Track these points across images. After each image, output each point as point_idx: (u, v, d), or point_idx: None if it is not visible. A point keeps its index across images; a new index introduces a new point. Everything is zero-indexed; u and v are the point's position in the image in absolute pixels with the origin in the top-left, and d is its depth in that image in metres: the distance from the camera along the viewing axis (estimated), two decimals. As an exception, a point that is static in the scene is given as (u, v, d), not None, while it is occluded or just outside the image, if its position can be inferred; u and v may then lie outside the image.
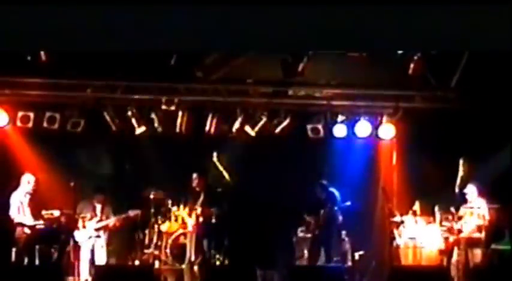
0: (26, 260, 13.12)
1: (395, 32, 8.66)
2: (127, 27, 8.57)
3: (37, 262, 13.14)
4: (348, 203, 14.42)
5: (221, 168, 14.02)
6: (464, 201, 13.12)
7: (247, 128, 14.82)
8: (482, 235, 12.86)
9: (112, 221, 14.07)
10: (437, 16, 8.55)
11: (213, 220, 13.85)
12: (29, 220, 13.30)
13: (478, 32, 8.57)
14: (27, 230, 13.23)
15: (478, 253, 12.82)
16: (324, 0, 8.50)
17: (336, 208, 14.24)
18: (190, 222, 13.74)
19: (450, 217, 13.30)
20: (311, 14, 8.45)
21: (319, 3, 8.40)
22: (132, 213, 14.16)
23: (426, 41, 9.04)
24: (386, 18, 8.51)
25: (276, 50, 11.89)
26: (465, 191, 13.02)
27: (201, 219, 13.66)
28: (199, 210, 13.70)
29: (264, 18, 8.50)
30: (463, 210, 13.08)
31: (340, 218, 14.26)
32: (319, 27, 8.51)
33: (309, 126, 14.92)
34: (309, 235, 14.66)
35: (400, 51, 12.68)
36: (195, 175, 13.82)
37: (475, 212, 12.99)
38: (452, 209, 13.19)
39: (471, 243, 12.86)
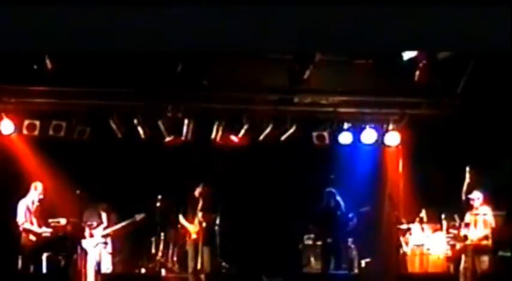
0: (32, 268, 13.13)
1: (395, 32, 8.65)
2: (128, 28, 8.56)
3: (44, 269, 13.15)
4: (367, 208, 14.47)
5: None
6: (470, 208, 13.11)
7: (253, 136, 14.81)
8: (489, 242, 12.82)
9: (119, 226, 14.07)
10: (437, 17, 8.54)
11: (217, 227, 13.89)
12: (35, 227, 13.31)
13: (478, 32, 8.56)
14: (32, 237, 13.24)
15: (485, 260, 12.77)
16: (325, 1, 8.51)
17: (350, 215, 14.26)
18: (195, 229, 13.75)
19: (457, 224, 13.29)
20: (315, 14, 8.46)
21: (322, 3, 8.41)
22: (138, 217, 14.16)
23: (426, 41, 9.03)
24: (386, 19, 8.50)
25: (279, 50, 11.94)
26: (471, 198, 13.01)
27: (204, 224, 13.66)
28: (200, 215, 13.71)
29: (266, 19, 8.50)
30: (469, 217, 13.06)
31: (352, 224, 14.27)
32: (323, 27, 8.51)
33: (314, 134, 14.87)
34: (319, 243, 14.64)
35: (403, 54, 12.66)
36: (200, 185, 13.87)
37: (481, 219, 12.96)
38: (459, 217, 13.23)
39: (478, 250, 12.81)
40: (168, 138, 14.61)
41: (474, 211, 12.97)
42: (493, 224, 12.84)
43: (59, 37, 8.50)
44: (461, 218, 13.14)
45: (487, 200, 12.99)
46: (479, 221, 12.90)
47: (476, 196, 12.95)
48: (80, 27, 8.44)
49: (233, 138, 14.87)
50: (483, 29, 8.43)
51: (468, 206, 13.04)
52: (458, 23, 8.41)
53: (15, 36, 8.44)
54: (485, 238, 12.79)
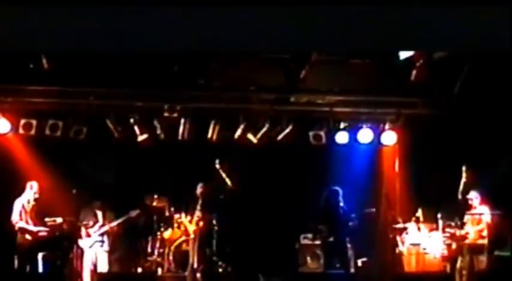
0: (28, 267, 13.11)
1: (395, 32, 8.65)
2: (127, 28, 8.55)
3: (40, 269, 13.14)
4: (371, 210, 14.49)
5: (224, 175, 14.06)
6: (467, 208, 13.13)
7: (250, 135, 14.79)
8: (486, 241, 12.82)
9: (114, 223, 14.06)
10: (437, 17, 8.55)
11: (215, 227, 13.92)
12: (31, 226, 13.29)
13: (478, 33, 8.56)
14: (28, 237, 13.22)
15: (481, 260, 12.77)
16: (325, 1, 8.51)
17: (353, 215, 14.26)
18: (192, 228, 13.74)
19: (453, 224, 13.28)
20: (313, 14, 8.46)
21: (322, 3, 8.41)
22: (133, 213, 14.15)
23: (426, 41, 9.03)
24: (386, 19, 8.50)
25: (278, 50, 11.96)
26: (468, 197, 13.03)
27: (201, 224, 13.66)
28: (198, 214, 13.71)
29: (265, 19, 8.49)
30: (466, 217, 13.07)
31: (353, 224, 14.26)
32: (323, 27, 8.51)
33: (311, 133, 14.86)
34: (317, 242, 14.65)
35: (399, 53, 12.67)
36: (200, 184, 13.89)
37: (479, 218, 12.97)
38: (456, 216, 13.24)
39: (474, 250, 12.82)
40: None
41: (472, 211, 12.99)
42: (490, 223, 12.85)
43: (56, 37, 8.49)
44: (459, 218, 13.15)
45: (484, 200, 13.00)
46: (476, 220, 12.91)
47: (474, 196, 12.97)
48: (78, 28, 8.43)
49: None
50: (483, 29, 8.43)
51: (466, 206, 13.06)
52: (458, 23, 8.41)
53: (14, 36, 8.44)
54: (482, 237, 12.80)
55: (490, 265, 12.65)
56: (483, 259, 12.72)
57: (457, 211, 13.26)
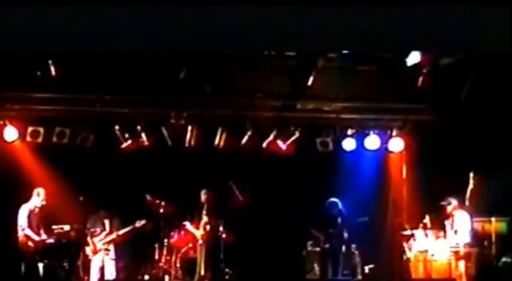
0: (34, 275, 13.11)
1: (395, 33, 8.66)
2: (130, 28, 8.57)
3: (46, 276, 13.13)
4: (365, 218, 14.43)
5: (237, 193, 14.15)
6: (446, 215, 13.24)
7: (257, 142, 14.80)
8: (493, 248, 12.79)
9: (119, 233, 14.08)
10: (437, 17, 8.55)
11: (222, 234, 13.91)
12: (37, 233, 13.31)
13: (478, 32, 8.57)
14: (30, 244, 13.22)
15: (488, 266, 12.75)
16: (324, 1, 8.53)
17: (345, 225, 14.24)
18: (200, 233, 13.74)
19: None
20: (317, 14, 8.48)
21: (325, 3, 8.43)
22: (138, 224, 14.18)
23: (426, 42, 9.04)
24: (385, 20, 8.51)
25: (282, 50, 11.98)
26: (444, 204, 13.22)
27: (208, 227, 13.66)
28: (205, 220, 13.73)
29: (267, 19, 8.52)
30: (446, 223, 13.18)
31: (346, 234, 14.20)
32: (325, 28, 8.53)
33: (318, 140, 14.89)
34: (317, 249, 14.63)
35: (406, 60, 12.66)
36: (204, 191, 13.91)
37: (459, 225, 13.04)
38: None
39: (481, 256, 12.79)
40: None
41: (450, 218, 13.07)
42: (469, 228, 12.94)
43: (58, 38, 8.52)
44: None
45: (460, 206, 13.09)
46: (457, 227, 12.98)
47: (448, 202, 13.05)
48: (80, 28, 8.45)
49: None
50: (483, 29, 8.43)
51: (444, 214, 13.14)
52: (458, 23, 8.41)
53: (15, 36, 8.47)
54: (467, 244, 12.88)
55: (496, 272, 12.63)
56: (490, 265, 12.68)
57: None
